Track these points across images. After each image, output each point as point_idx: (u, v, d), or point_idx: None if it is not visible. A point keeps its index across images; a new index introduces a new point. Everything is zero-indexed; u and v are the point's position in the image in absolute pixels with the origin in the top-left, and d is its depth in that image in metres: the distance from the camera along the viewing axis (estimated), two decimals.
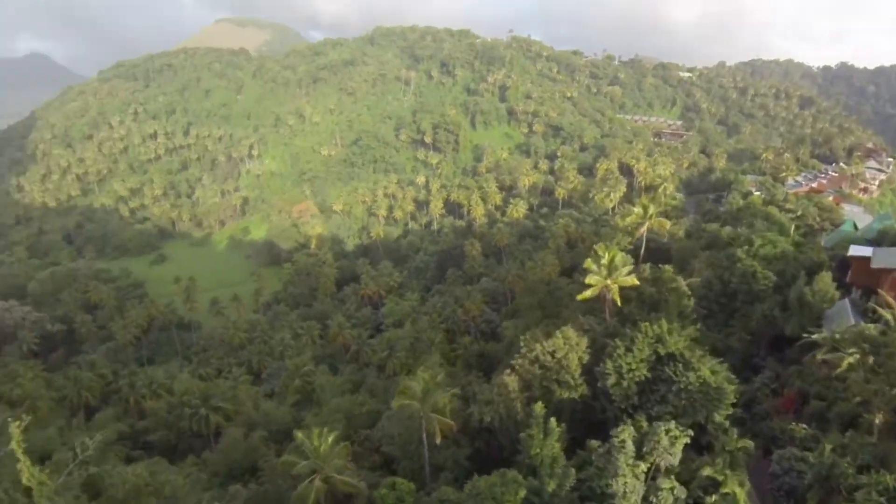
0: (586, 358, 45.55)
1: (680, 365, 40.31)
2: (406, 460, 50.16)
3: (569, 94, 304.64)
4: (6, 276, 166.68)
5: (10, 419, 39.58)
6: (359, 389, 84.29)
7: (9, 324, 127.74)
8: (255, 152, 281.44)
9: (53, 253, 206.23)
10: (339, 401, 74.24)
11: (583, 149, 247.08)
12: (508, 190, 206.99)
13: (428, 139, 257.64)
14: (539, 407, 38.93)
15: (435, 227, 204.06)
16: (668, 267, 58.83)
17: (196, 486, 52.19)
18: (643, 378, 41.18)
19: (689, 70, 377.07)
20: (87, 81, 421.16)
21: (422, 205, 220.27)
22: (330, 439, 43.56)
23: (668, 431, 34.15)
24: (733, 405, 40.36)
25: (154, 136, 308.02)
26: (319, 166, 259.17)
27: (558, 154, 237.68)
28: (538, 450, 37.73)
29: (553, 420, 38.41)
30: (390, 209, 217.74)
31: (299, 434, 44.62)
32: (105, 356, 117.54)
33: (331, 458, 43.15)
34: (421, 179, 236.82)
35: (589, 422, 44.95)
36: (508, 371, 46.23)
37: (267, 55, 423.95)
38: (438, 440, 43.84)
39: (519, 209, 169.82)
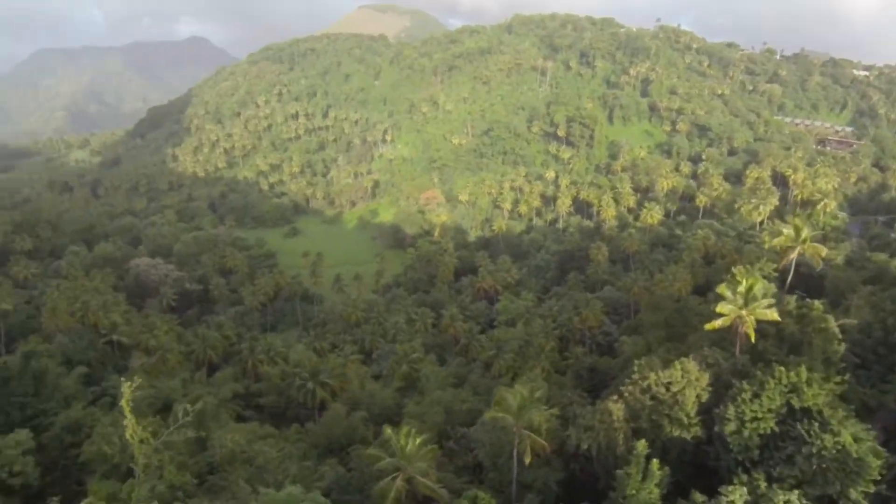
0: (706, 396, 40.24)
1: (816, 424, 34.05)
2: (494, 471, 47.98)
3: (720, 91, 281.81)
4: (156, 236, 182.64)
5: (123, 379, 41.85)
6: (463, 385, 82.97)
7: (154, 279, 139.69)
8: (388, 137, 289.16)
9: (198, 218, 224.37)
10: (441, 393, 73.39)
11: (731, 153, 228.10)
12: (644, 192, 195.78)
13: (561, 133, 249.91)
14: (642, 445, 34.90)
15: (560, 225, 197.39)
16: (817, 303, 50.69)
17: (288, 459, 53.02)
18: (769, 431, 35.38)
19: (867, 68, 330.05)
20: (237, 63, 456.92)
21: (549, 201, 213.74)
22: (417, 441, 42.47)
23: (787, 503, 28.83)
24: (876, 481, 33.51)
25: (295, 116, 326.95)
26: (449, 155, 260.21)
27: (703, 157, 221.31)
28: (634, 492, 33.96)
29: (655, 462, 34.21)
30: (516, 203, 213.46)
31: (388, 430, 43.99)
32: (233, 318, 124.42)
33: (416, 459, 42.14)
34: (550, 174, 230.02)
35: (698, 466, 39.80)
36: (615, 397, 42.07)
37: (405, 42, 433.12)
38: (528, 461, 41.05)
39: (654, 214, 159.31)
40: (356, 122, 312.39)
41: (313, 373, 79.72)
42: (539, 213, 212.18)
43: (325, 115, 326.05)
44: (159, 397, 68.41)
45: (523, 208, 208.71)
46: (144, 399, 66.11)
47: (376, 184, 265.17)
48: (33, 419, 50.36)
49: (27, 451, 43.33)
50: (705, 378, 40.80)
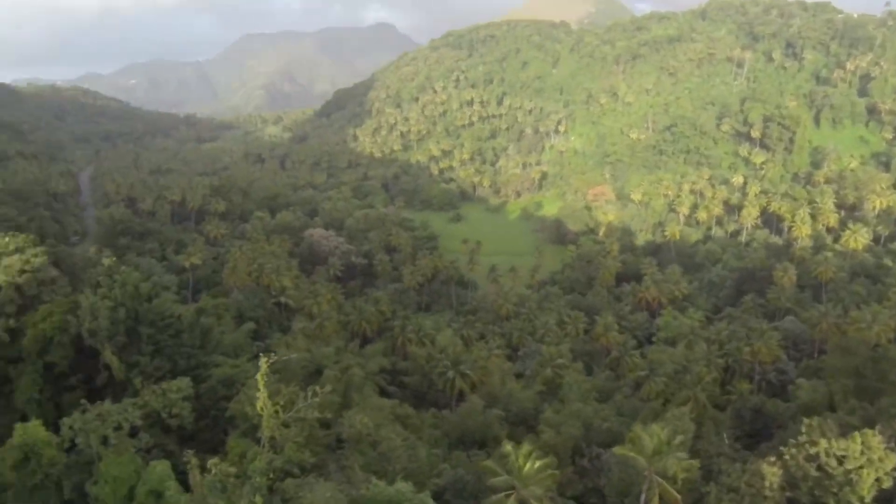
0: (889, 482, 32.74)
1: None
2: None
3: None
4: (332, 209, 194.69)
5: (261, 354, 43.98)
6: (607, 401, 78.38)
7: (325, 249, 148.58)
8: (561, 128, 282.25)
9: (371, 197, 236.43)
10: (582, 406, 70.24)
11: None
12: (849, 210, 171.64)
13: (755, 133, 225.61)
14: None
15: (743, 238, 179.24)
16: None
17: (412, 449, 53.11)
18: None
19: None
20: (419, 49, 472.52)
21: (733, 209, 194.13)
22: (537, 463, 40.16)
23: None
24: None
25: (470, 103, 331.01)
26: (624, 150, 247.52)
27: None
28: None
29: None
30: (694, 208, 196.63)
31: (507, 446, 42.06)
32: (390, 295, 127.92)
33: (532, 482, 40.19)
34: (738, 179, 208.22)
35: None
36: (773, 458, 35.84)
37: (587, 28, 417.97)
38: None
39: (859, 238, 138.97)
40: (530, 111, 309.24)
41: (455, 362, 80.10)
42: (720, 223, 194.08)
43: (499, 103, 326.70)
44: (313, 362, 72.43)
45: (702, 215, 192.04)
46: (299, 362, 70.70)
47: (544, 175, 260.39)
48: (196, 369, 54.72)
49: (186, 397, 47.15)
50: (892, 460, 33.18)
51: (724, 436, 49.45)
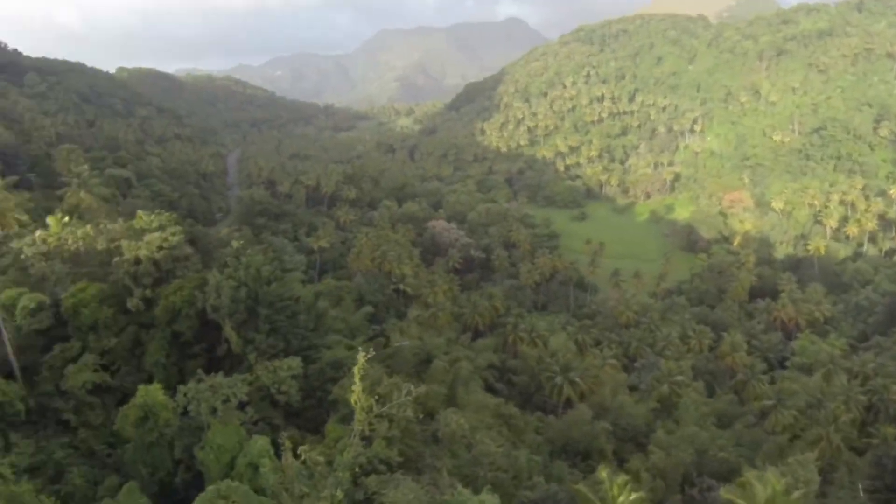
0: None
1: None
2: None
3: None
4: (455, 202, 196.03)
5: (360, 349, 44.42)
6: (726, 428, 73.70)
7: (446, 241, 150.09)
8: (697, 127, 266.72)
9: (495, 191, 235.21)
10: (697, 431, 66.73)
11: None
12: None
13: None
14: None
15: None
16: None
17: (507, 457, 51.93)
18: None
19: None
20: (549, 44, 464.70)
21: (889, 225, 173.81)
22: (632, 496, 37.03)
23: None
24: None
25: (600, 99, 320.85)
26: (766, 153, 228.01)
27: None
28: None
29: None
30: (843, 221, 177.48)
31: (603, 472, 39.35)
32: (505, 291, 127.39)
33: None
34: None
35: None
36: None
37: (727, 22, 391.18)
38: None
39: None
40: (663, 108, 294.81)
41: (565, 367, 78.56)
42: (873, 239, 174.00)
43: (630, 100, 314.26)
44: (424, 350, 73.71)
45: (853, 229, 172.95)
46: (411, 349, 72.08)
47: (676, 177, 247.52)
48: (307, 350, 56.82)
49: (295, 376, 49.21)
50: None
51: (860, 487, 43.13)
